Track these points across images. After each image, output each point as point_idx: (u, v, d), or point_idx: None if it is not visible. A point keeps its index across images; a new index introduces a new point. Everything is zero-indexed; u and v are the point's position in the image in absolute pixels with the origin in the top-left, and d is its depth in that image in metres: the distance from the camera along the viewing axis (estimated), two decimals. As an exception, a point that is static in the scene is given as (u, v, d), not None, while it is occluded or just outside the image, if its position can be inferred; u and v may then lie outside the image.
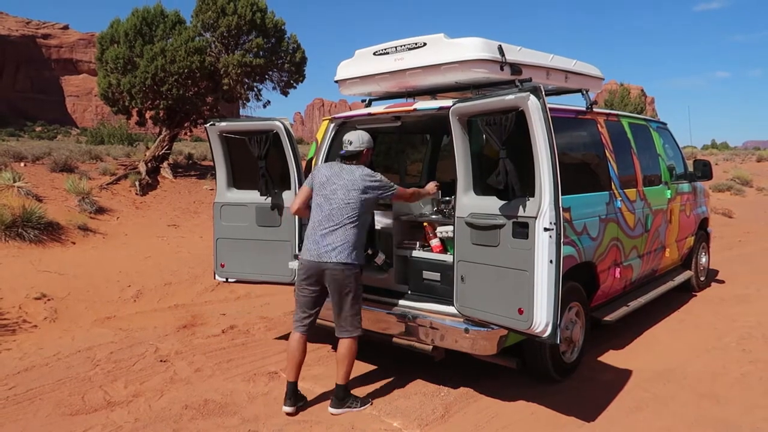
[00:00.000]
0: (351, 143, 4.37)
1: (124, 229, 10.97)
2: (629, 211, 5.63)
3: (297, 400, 4.34)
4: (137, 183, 13.84)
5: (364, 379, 4.85)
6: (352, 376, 4.86)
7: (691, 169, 7.55)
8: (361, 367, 5.11)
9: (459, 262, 4.16)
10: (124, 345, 5.73)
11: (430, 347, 4.43)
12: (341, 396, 4.28)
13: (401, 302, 4.68)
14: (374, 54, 4.92)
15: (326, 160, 5.38)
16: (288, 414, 4.24)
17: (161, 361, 5.32)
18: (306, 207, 4.48)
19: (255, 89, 17.01)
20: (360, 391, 4.60)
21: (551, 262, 3.56)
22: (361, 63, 5.05)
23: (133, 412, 4.30)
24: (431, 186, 4.84)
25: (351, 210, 4.20)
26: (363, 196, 4.22)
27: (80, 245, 9.50)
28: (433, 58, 4.51)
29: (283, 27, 16.49)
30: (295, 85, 17.32)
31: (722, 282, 8.31)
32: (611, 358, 5.31)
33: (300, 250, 5.04)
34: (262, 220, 5.28)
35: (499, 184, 3.82)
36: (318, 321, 5.16)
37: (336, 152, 5.51)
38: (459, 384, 4.70)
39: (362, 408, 4.30)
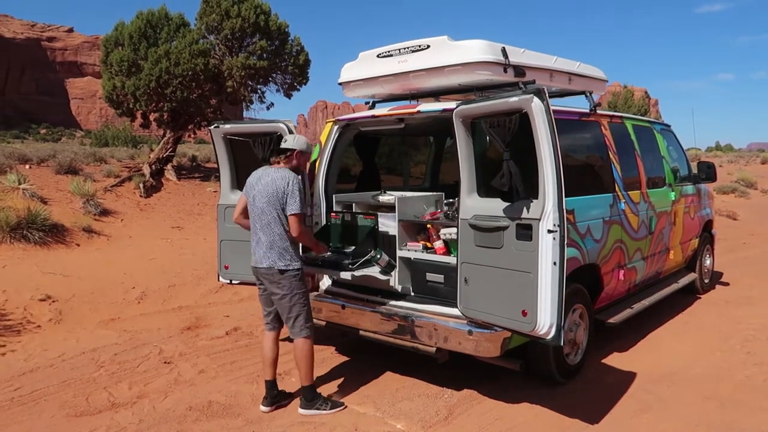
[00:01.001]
0: (286, 141, 4.40)
1: (129, 231, 11.00)
2: (633, 213, 5.62)
3: (274, 399, 4.39)
4: (141, 185, 13.89)
5: (367, 382, 4.85)
6: (355, 378, 4.88)
7: (695, 171, 7.53)
8: (364, 369, 5.11)
9: (462, 264, 4.16)
10: (129, 346, 5.75)
11: (434, 349, 4.42)
12: (309, 397, 4.28)
13: (405, 304, 4.68)
14: (378, 56, 4.93)
15: (330, 163, 5.40)
16: (264, 412, 4.31)
17: (165, 362, 5.33)
18: (243, 215, 4.48)
19: (258, 91, 17.06)
20: (363, 394, 4.61)
21: (555, 264, 3.56)
22: (364, 65, 5.06)
23: (138, 413, 4.31)
24: (322, 248, 4.72)
25: (269, 214, 4.18)
26: (277, 200, 4.15)
27: (85, 247, 9.53)
28: (437, 60, 4.51)
29: (286, 29, 16.54)
30: (298, 87, 17.36)
31: (726, 284, 8.29)
32: (615, 360, 5.30)
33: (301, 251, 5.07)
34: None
35: (504, 186, 3.82)
36: (319, 322, 5.20)
37: (339, 154, 5.53)
38: (462, 386, 4.70)
39: (333, 411, 4.26)
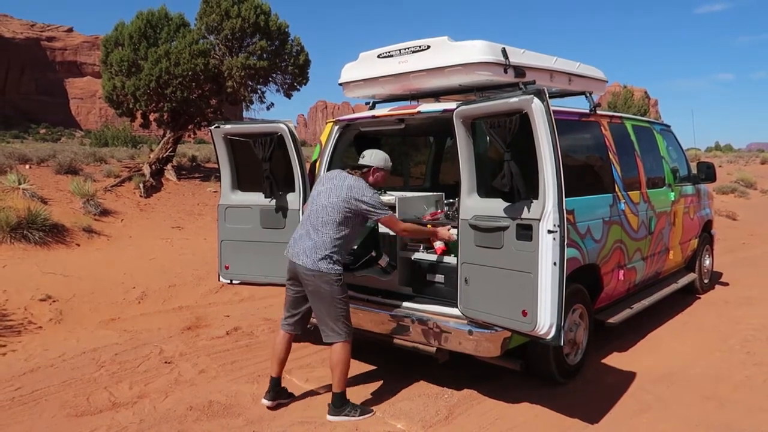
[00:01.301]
0: (364, 157, 4.41)
1: (129, 231, 11.01)
2: (633, 213, 5.63)
3: (278, 395, 4.40)
4: (141, 185, 13.90)
5: (368, 381, 4.86)
6: (356, 378, 4.88)
7: (694, 171, 7.54)
8: (365, 369, 5.12)
9: (463, 264, 4.16)
10: (129, 346, 5.75)
11: (434, 349, 4.43)
12: (338, 404, 4.21)
13: (405, 304, 4.69)
14: (378, 57, 4.93)
15: (330, 163, 5.40)
16: (268, 408, 4.33)
17: (166, 362, 5.34)
18: None
19: (259, 92, 17.08)
20: (364, 393, 4.61)
21: (555, 264, 3.57)
22: (365, 66, 5.07)
23: (138, 413, 4.32)
24: (443, 230, 4.56)
25: (327, 215, 4.14)
26: (344, 204, 4.13)
27: (85, 247, 9.54)
28: (437, 60, 4.52)
29: (286, 30, 16.56)
30: (298, 87, 17.38)
31: (726, 284, 8.30)
32: (615, 360, 5.31)
33: None
34: (267, 222, 5.30)
35: (505, 186, 3.82)
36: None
37: (340, 155, 5.54)
38: (462, 386, 4.71)
39: (361, 417, 4.19)
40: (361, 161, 4.39)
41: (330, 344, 4.24)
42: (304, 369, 5.14)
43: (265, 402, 4.36)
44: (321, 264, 4.09)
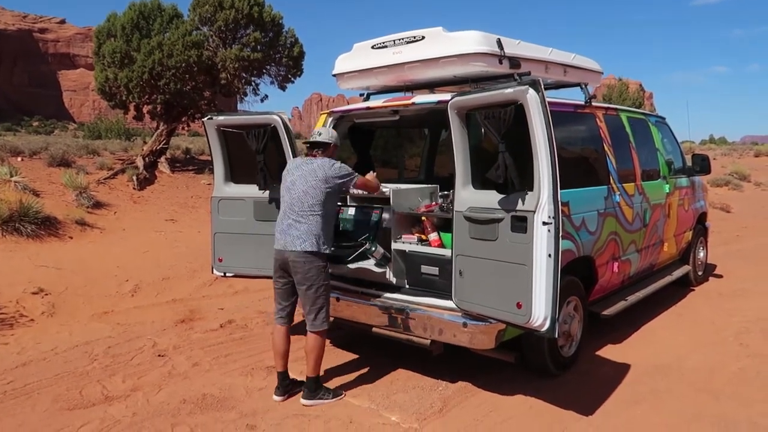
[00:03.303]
0: (320, 134, 4.45)
1: (122, 224, 10.95)
2: (628, 205, 5.62)
3: (286, 388, 4.43)
4: (135, 178, 13.82)
5: (362, 373, 4.85)
6: (350, 370, 4.88)
7: (689, 163, 7.55)
8: (359, 361, 5.12)
9: (457, 257, 4.15)
10: (122, 339, 5.73)
11: (429, 341, 4.42)
12: (312, 387, 4.31)
13: (399, 296, 4.67)
14: (372, 48, 4.89)
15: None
16: (278, 401, 4.35)
17: (159, 355, 5.31)
18: None
19: (253, 84, 17.00)
20: (358, 385, 4.60)
21: (550, 256, 3.56)
22: (359, 57, 5.03)
23: (131, 406, 4.30)
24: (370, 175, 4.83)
25: (311, 199, 4.22)
26: (323, 185, 4.23)
27: (78, 240, 9.48)
28: (432, 51, 4.49)
29: (280, 21, 16.46)
30: (292, 79, 17.30)
31: (720, 277, 8.32)
32: (609, 352, 5.32)
33: None
34: (260, 215, 5.27)
35: (499, 178, 3.80)
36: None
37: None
38: (457, 378, 4.71)
39: (334, 399, 4.33)
40: (320, 138, 4.42)
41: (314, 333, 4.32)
42: (298, 362, 5.10)
43: (277, 398, 4.39)
44: (314, 247, 4.18)
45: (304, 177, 4.27)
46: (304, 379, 4.39)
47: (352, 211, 5.13)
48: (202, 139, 28.00)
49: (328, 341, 5.57)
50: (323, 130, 4.51)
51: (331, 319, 5.07)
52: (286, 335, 4.45)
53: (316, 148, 4.42)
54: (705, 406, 4.23)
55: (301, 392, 4.36)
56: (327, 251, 4.29)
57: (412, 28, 4.66)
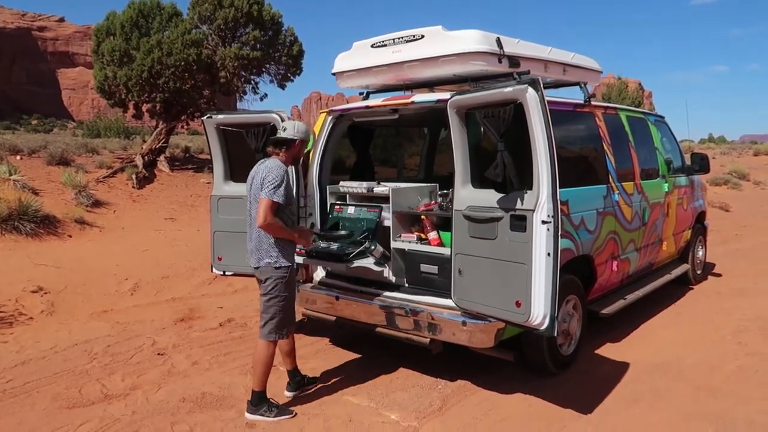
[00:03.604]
0: (285, 129, 4.18)
1: (121, 223, 10.94)
2: (627, 204, 5.63)
3: (298, 384, 4.41)
4: (134, 176, 13.81)
5: (362, 372, 4.85)
6: (350, 369, 4.87)
7: (688, 162, 7.56)
8: (359, 360, 5.12)
9: (457, 255, 4.15)
10: (122, 338, 5.73)
11: (428, 340, 4.43)
12: (255, 401, 4.10)
13: (399, 295, 4.68)
14: (372, 46, 4.89)
15: (323, 153, 5.37)
16: (288, 398, 4.34)
17: (159, 354, 5.32)
18: None
19: (252, 82, 16.96)
20: (358, 384, 4.60)
21: (549, 255, 3.56)
22: (359, 55, 5.03)
23: (131, 405, 4.30)
24: (305, 231, 4.49)
25: (254, 209, 4.07)
26: (262, 192, 3.96)
27: (77, 238, 9.48)
28: (431, 50, 4.49)
29: (280, 19, 16.42)
30: (292, 78, 17.26)
31: (719, 275, 8.33)
32: (608, 350, 5.33)
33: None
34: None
35: (498, 176, 3.81)
36: (314, 313, 5.20)
37: (333, 146, 5.50)
38: (456, 377, 4.71)
39: (277, 419, 4.04)
40: (284, 134, 4.14)
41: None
42: (297, 360, 5.11)
43: (288, 394, 4.37)
44: (265, 259, 4.08)
45: (249, 188, 4.13)
46: (290, 378, 4.42)
47: (351, 209, 5.13)
48: (202, 137, 27.96)
49: (327, 340, 5.60)
50: (289, 124, 4.22)
51: (333, 318, 5.08)
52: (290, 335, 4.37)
53: (278, 146, 4.16)
54: (704, 405, 4.24)
55: (310, 389, 4.39)
56: (282, 263, 4.06)
57: (411, 27, 4.65)
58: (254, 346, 4.28)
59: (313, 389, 4.48)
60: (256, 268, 4.15)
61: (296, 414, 4.16)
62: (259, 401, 4.11)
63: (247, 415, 4.11)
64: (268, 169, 4.02)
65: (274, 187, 3.92)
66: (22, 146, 15.40)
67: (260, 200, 3.93)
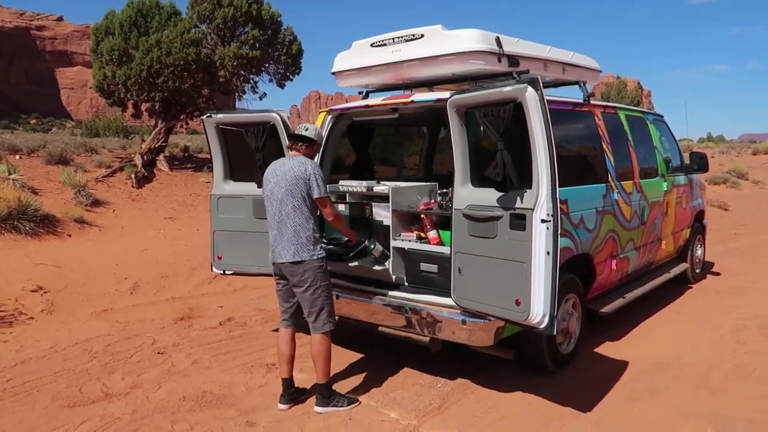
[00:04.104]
0: (307, 129, 4.29)
1: (121, 222, 10.94)
2: (626, 203, 5.64)
3: (291, 396, 4.29)
4: (133, 175, 13.81)
5: (361, 371, 4.86)
6: (349, 367, 4.88)
7: (687, 161, 7.56)
8: (358, 359, 5.13)
9: (456, 254, 4.16)
10: (122, 337, 5.73)
11: (427, 339, 4.43)
12: (325, 394, 4.18)
13: (398, 294, 4.68)
14: (372, 45, 4.89)
15: (323, 153, 5.37)
16: (282, 410, 4.21)
17: (159, 353, 5.32)
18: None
19: (251, 81, 16.96)
20: (357, 383, 4.61)
21: (548, 253, 3.57)
22: (358, 54, 5.03)
23: (131, 403, 4.31)
24: (354, 234, 4.61)
25: (289, 203, 4.09)
26: (297, 187, 4.07)
27: (76, 238, 9.48)
28: (431, 49, 4.49)
29: (279, 19, 16.42)
30: (291, 77, 17.27)
31: (718, 274, 8.35)
32: (607, 349, 5.34)
33: None
34: (260, 212, 5.26)
35: (497, 175, 3.81)
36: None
37: (333, 144, 5.50)
38: (456, 375, 4.72)
39: (350, 407, 4.18)
40: (306, 133, 4.25)
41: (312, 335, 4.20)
42: (297, 359, 5.09)
43: (282, 407, 4.22)
44: (302, 253, 4.08)
45: (278, 183, 4.14)
46: (299, 386, 4.36)
47: (341, 207, 5.13)
48: (201, 137, 27.97)
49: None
50: (310, 126, 4.35)
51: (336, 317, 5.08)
52: (292, 338, 4.33)
53: (300, 141, 4.25)
54: (702, 403, 4.25)
55: (315, 398, 4.25)
56: (318, 254, 4.13)
57: (411, 26, 4.66)
58: (283, 339, 4.30)
59: (306, 399, 4.37)
60: (292, 263, 4.09)
61: (361, 402, 4.26)
62: (329, 394, 4.18)
63: (318, 409, 4.14)
64: (304, 166, 4.10)
65: (324, 183, 4.15)
66: (21, 146, 15.42)
67: (320, 199, 4.13)
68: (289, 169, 4.12)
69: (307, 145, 4.26)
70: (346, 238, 4.66)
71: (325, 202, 4.16)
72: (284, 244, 4.11)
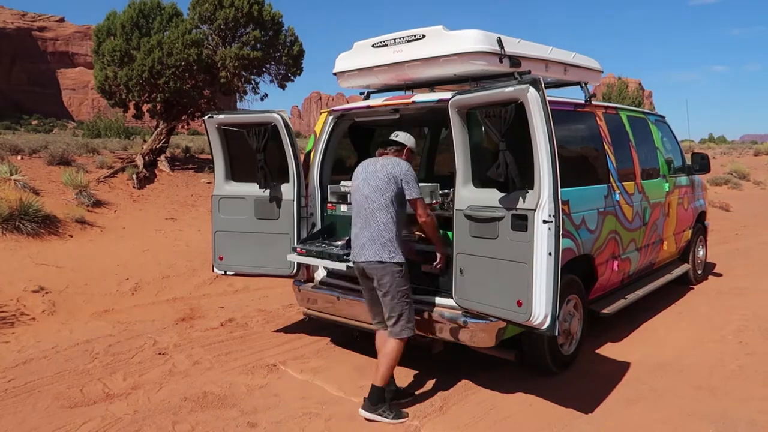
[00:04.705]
0: (397, 136, 4.33)
1: (122, 223, 10.94)
2: (627, 204, 5.63)
3: (393, 396, 4.18)
4: (135, 176, 13.80)
5: (363, 372, 4.85)
6: (350, 368, 4.87)
7: (689, 162, 7.56)
8: (359, 360, 5.12)
9: (458, 255, 4.15)
10: (123, 338, 5.73)
11: (429, 339, 4.43)
12: (374, 399, 4.02)
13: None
14: (373, 46, 4.90)
15: (324, 153, 5.38)
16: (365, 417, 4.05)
17: (160, 353, 5.32)
18: None
19: (252, 82, 16.94)
20: (358, 383, 4.60)
21: (550, 254, 3.57)
22: (359, 55, 5.03)
23: (132, 404, 4.30)
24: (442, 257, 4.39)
25: (375, 201, 4.04)
26: (388, 186, 4.03)
27: (78, 238, 9.47)
28: (432, 50, 4.49)
29: (280, 19, 16.42)
30: (292, 78, 17.26)
31: (719, 275, 8.34)
32: (609, 350, 5.33)
33: (296, 242, 5.05)
34: (261, 213, 5.28)
35: (499, 176, 3.81)
36: (315, 313, 5.20)
37: (334, 145, 5.50)
38: (457, 376, 4.71)
39: (395, 421, 3.97)
40: (396, 138, 4.31)
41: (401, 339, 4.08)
42: (298, 360, 5.13)
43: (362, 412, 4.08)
44: (382, 254, 4.01)
45: (367, 180, 4.10)
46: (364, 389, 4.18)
47: (344, 207, 5.13)
48: (202, 137, 28.00)
49: (328, 339, 5.60)
50: (402, 133, 4.35)
51: (336, 318, 5.07)
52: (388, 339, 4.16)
53: (390, 146, 4.26)
54: (704, 404, 4.24)
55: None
56: (398, 259, 4.02)
57: (412, 26, 4.66)
58: (380, 340, 4.24)
59: (407, 403, 4.25)
60: (372, 262, 4.02)
61: (408, 417, 4.06)
62: (378, 400, 4.02)
63: (363, 413, 4.02)
64: (399, 166, 4.08)
65: (417, 185, 4.11)
66: (23, 146, 15.40)
67: (415, 200, 4.07)
68: (382, 167, 4.10)
69: (396, 148, 4.26)
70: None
71: (419, 204, 4.10)
72: (365, 243, 4.06)
